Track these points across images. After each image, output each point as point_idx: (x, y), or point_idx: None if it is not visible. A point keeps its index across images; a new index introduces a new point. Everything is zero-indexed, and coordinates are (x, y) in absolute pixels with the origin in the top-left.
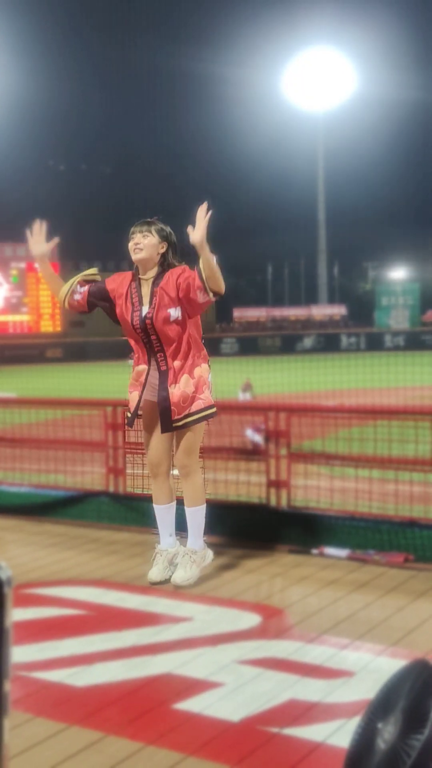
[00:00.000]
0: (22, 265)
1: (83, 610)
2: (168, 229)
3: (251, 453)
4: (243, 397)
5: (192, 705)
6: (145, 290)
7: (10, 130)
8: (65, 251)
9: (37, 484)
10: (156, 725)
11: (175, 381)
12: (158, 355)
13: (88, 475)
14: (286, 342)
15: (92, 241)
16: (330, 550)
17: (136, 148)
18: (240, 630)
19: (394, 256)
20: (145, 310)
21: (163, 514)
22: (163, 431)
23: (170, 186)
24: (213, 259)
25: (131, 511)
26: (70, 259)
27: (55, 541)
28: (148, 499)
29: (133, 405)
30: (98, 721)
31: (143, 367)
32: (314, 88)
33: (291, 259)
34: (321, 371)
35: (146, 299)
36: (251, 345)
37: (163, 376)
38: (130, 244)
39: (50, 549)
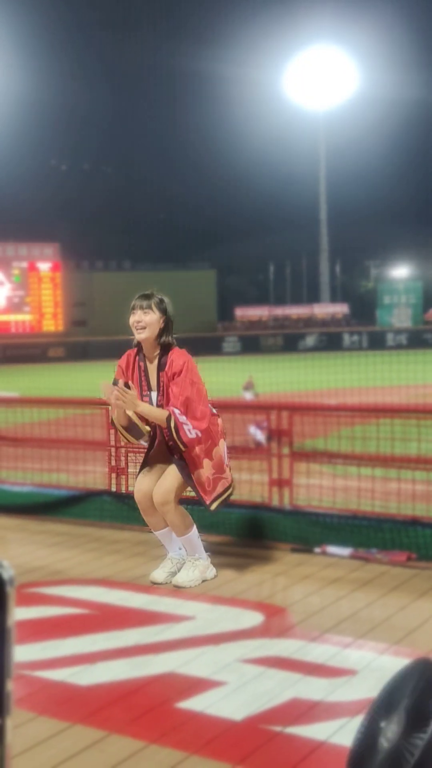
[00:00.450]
0: (24, 264)
1: (86, 609)
2: (166, 299)
3: (254, 451)
4: (246, 395)
5: (194, 704)
6: (152, 373)
7: (13, 130)
8: (67, 251)
9: (40, 484)
10: (158, 724)
11: (196, 468)
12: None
13: (90, 474)
14: (288, 341)
15: (94, 241)
16: (332, 549)
17: (137, 147)
18: (242, 629)
19: (396, 254)
20: (155, 396)
21: (165, 534)
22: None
23: (172, 185)
24: (152, 411)
25: (133, 511)
26: (72, 259)
27: (57, 540)
28: None
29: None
30: (101, 720)
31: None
32: (316, 86)
33: (293, 258)
34: (323, 370)
35: (154, 383)
36: (253, 344)
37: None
38: (132, 320)
39: (52, 548)
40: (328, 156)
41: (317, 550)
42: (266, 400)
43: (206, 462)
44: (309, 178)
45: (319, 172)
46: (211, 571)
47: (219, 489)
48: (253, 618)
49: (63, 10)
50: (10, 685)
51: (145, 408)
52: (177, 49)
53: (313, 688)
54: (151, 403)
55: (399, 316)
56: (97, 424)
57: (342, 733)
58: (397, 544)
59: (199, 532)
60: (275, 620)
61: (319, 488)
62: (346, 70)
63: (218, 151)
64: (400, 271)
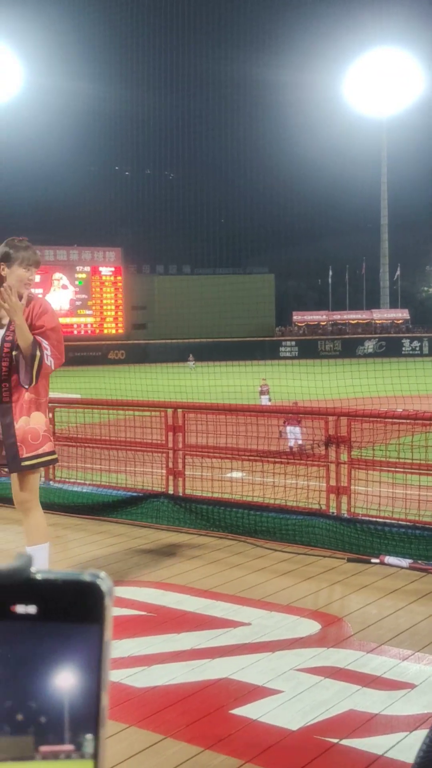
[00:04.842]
0: (87, 268)
1: (142, 611)
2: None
3: (312, 457)
4: (263, 400)
5: (250, 711)
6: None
7: (80, 136)
8: (129, 255)
9: (99, 484)
10: (214, 730)
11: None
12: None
13: (148, 476)
14: (346, 346)
15: (155, 245)
16: (391, 559)
17: (199, 152)
18: (298, 637)
19: None
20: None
21: None
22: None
23: (233, 190)
24: (24, 325)
25: (190, 513)
26: (133, 263)
27: (115, 540)
28: (207, 502)
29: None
30: (157, 723)
31: None
32: (378, 91)
33: (352, 263)
34: (382, 376)
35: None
36: (311, 348)
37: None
38: (27, 276)
39: (110, 548)
40: (390, 161)
41: (375, 560)
42: (324, 406)
43: (38, 415)
44: (370, 183)
45: (381, 177)
46: None
47: (45, 449)
48: (309, 626)
49: (127, 19)
50: (106, 699)
51: (20, 319)
52: (238, 56)
53: (370, 701)
54: None
55: None
56: (156, 427)
57: (399, 748)
58: None
59: (252, 537)
60: (332, 630)
61: (377, 497)
62: (410, 74)
63: (278, 155)
64: None
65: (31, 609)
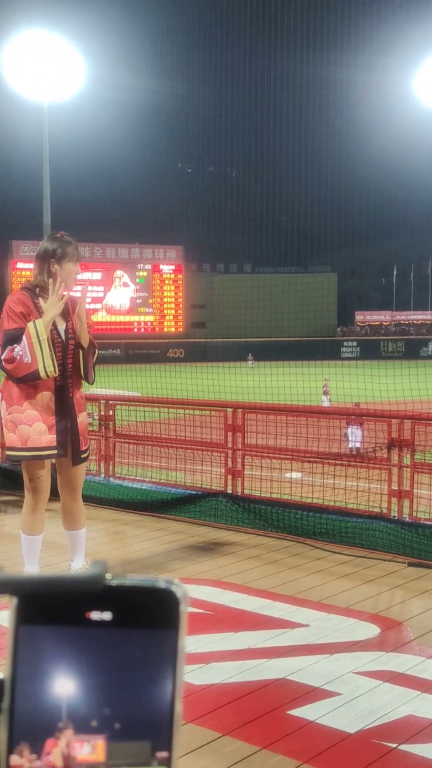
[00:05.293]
0: (149, 266)
1: (200, 609)
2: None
3: (373, 460)
4: (324, 400)
5: (307, 713)
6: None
7: (142, 133)
8: (190, 253)
9: (158, 482)
10: (271, 730)
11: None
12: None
13: (207, 474)
14: (409, 347)
15: (216, 243)
16: None
17: (261, 150)
18: (357, 640)
19: None
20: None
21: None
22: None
23: (295, 188)
24: (84, 323)
25: (248, 513)
26: (194, 261)
27: (173, 538)
28: (265, 502)
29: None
30: (214, 721)
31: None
32: None
33: (418, 262)
34: None
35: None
36: (373, 349)
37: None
38: (76, 270)
39: (169, 545)
40: None
41: None
42: (387, 408)
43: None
44: None
45: None
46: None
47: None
48: (368, 630)
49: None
50: (180, 705)
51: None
52: (302, 53)
53: (429, 706)
54: (60, 336)
55: None
56: (215, 426)
57: None
58: None
59: (311, 539)
60: (391, 634)
61: None
62: None
63: (342, 154)
64: None
65: (107, 615)
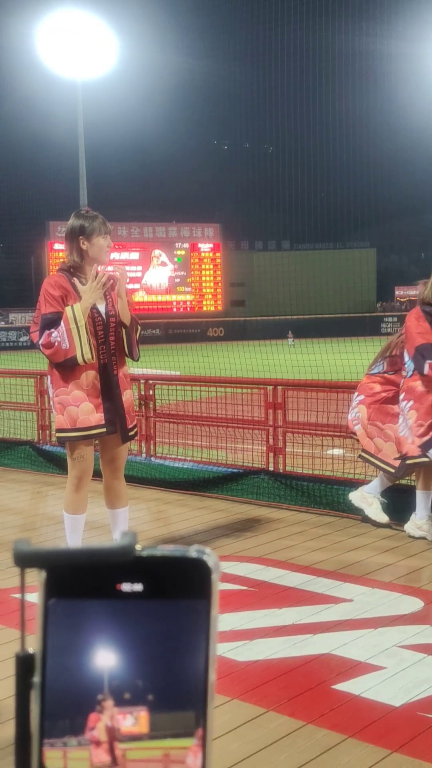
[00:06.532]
0: (186, 245)
1: (244, 586)
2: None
3: None
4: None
5: (352, 687)
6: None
7: (177, 110)
8: (227, 231)
9: (199, 460)
10: (316, 704)
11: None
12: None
13: (248, 452)
14: None
15: (254, 220)
16: None
17: (298, 126)
18: (401, 614)
19: None
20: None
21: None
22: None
23: (332, 163)
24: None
25: (290, 490)
26: (232, 239)
27: (215, 516)
28: (307, 479)
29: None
30: (259, 697)
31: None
32: None
33: None
34: None
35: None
36: None
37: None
38: (105, 243)
39: (211, 523)
40: None
41: None
42: None
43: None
44: None
45: None
46: None
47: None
48: (412, 604)
49: None
50: (214, 674)
51: (124, 293)
52: (340, 25)
53: None
54: (100, 315)
55: None
56: (256, 404)
57: None
58: None
59: (354, 514)
60: None
61: None
62: None
63: (379, 128)
64: None
65: (137, 587)
